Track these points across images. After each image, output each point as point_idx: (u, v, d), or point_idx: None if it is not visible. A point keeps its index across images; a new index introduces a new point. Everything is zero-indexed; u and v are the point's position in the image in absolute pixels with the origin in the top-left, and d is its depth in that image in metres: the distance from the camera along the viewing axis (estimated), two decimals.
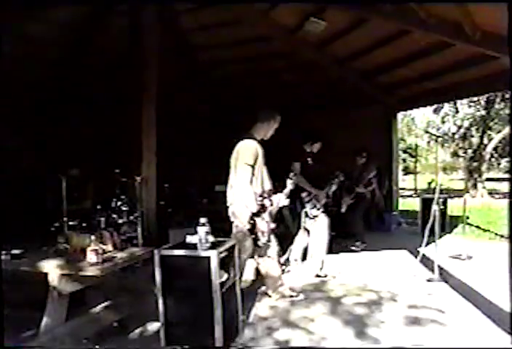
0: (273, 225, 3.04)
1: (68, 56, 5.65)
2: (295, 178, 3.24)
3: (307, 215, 4.01)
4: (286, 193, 3.21)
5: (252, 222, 2.95)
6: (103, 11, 5.00)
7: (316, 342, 2.53)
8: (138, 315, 2.81)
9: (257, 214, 2.96)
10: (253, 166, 2.96)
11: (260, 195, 3.00)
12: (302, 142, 4.39)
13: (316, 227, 4.00)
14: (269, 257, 3.18)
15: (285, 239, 5.31)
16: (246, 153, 2.96)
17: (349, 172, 5.65)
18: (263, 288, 3.36)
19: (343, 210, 5.39)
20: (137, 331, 2.69)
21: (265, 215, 2.99)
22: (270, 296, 3.29)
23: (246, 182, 2.92)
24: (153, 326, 2.68)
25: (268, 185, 3.12)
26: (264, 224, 2.96)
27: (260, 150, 3.05)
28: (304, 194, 3.98)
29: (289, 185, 3.21)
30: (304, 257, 4.17)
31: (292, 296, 3.30)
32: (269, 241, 3.04)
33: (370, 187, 5.62)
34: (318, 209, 3.98)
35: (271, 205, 3.06)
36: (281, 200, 3.16)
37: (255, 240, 3.00)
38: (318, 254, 4.03)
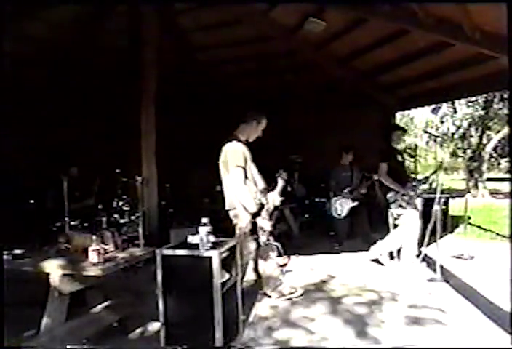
0: (270, 223, 3.04)
1: (67, 56, 5.65)
2: (284, 174, 3.23)
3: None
4: (279, 191, 3.20)
5: (253, 221, 2.96)
6: (103, 11, 5.00)
7: (316, 342, 2.53)
8: (138, 315, 2.81)
9: (257, 213, 2.97)
10: (244, 168, 2.97)
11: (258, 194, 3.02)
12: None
13: None
14: (268, 256, 3.18)
15: (286, 238, 5.34)
16: (235, 156, 2.97)
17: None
18: (264, 288, 3.36)
19: (345, 213, 5.22)
20: (137, 331, 2.69)
21: (264, 213, 3.00)
22: (269, 296, 3.29)
23: (241, 183, 2.93)
24: (153, 326, 2.68)
25: (261, 184, 3.13)
26: (265, 222, 2.97)
27: (247, 151, 3.06)
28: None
29: (280, 181, 3.21)
30: None
31: (291, 293, 3.31)
32: (269, 240, 3.05)
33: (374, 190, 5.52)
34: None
35: (267, 203, 3.06)
36: (275, 199, 3.15)
37: (257, 239, 3.01)
38: None
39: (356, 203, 5.25)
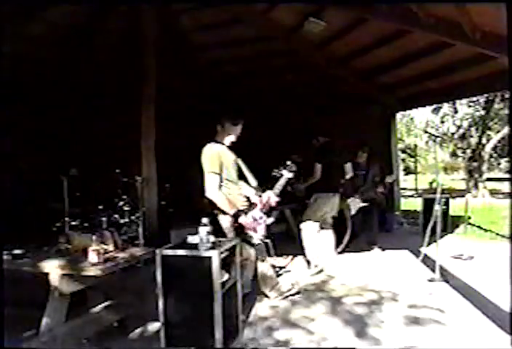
0: (269, 221, 3.02)
1: (67, 56, 5.65)
2: (293, 166, 3.15)
3: None
4: (278, 188, 3.15)
5: (236, 224, 2.93)
6: (103, 12, 5.00)
7: (316, 342, 2.53)
8: (138, 315, 2.81)
9: (238, 214, 2.93)
10: (219, 173, 2.95)
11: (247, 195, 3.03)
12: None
13: None
14: (262, 256, 3.19)
15: (287, 238, 5.34)
16: (208, 161, 2.97)
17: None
18: (262, 288, 3.36)
19: (353, 212, 5.02)
20: (137, 331, 2.69)
21: (255, 212, 2.99)
22: (268, 296, 3.29)
23: (214, 189, 2.92)
24: (153, 326, 2.68)
25: (253, 183, 3.13)
26: (251, 221, 2.94)
27: (225, 153, 3.04)
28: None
29: (286, 174, 3.15)
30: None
31: (289, 290, 3.31)
32: (264, 239, 3.03)
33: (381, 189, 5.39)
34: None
35: (261, 202, 3.04)
36: (271, 198, 3.11)
37: (248, 240, 2.99)
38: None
39: (365, 204, 5.11)
